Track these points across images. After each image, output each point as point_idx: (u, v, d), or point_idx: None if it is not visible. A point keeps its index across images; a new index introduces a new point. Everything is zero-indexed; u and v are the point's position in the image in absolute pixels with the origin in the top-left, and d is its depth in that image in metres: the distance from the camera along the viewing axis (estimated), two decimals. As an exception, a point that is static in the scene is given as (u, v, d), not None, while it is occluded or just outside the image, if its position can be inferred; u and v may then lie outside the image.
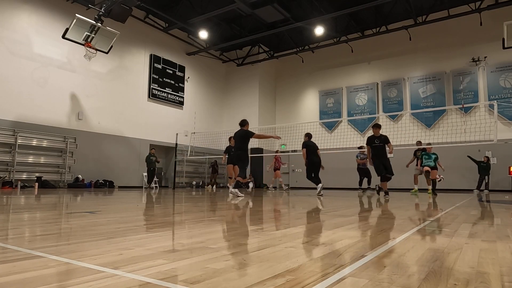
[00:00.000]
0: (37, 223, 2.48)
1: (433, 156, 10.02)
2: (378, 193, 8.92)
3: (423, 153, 10.26)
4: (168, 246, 1.65)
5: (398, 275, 1.17)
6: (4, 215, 3.03)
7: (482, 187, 12.93)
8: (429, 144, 10.63)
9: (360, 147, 12.30)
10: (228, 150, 10.54)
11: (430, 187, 10.08)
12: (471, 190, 13.79)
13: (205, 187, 17.41)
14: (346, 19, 15.99)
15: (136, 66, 15.73)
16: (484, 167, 12.89)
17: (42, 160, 12.27)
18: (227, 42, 17.31)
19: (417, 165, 11.17)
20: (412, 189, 11.43)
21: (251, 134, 8.15)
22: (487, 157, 13.07)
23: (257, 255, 1.48)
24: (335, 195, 8.96)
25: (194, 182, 18.14)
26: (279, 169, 13.81)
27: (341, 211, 3.95)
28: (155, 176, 14.37)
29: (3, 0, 11.55)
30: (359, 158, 12.28)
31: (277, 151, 13.94)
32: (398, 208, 4.42)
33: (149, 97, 16.11)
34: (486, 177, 12.85)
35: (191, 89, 18.41)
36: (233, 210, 3.94)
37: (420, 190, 11.76)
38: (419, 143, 11.57)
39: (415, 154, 11.64)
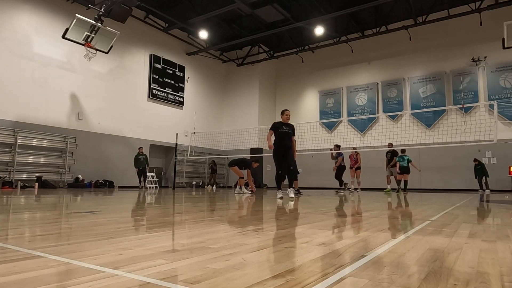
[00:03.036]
0: (37, 223, 2.48)
1: (406, 158, 11.40)
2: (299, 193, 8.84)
3: (399, 156, 11.59)
4: (168, 246, 1.65)
5: (398, 275, 1.17)
6: (4, 215, 3.03)
7: (483, 187, 12.92)
8: (404, 148, 11.89)
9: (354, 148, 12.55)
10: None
11: (398, 187, 11.56)
12: (471, 190, 13.79)
13: (205, 187, 17.41)
14: (346, 19, 16.00)
15: (136, 66, 15.74)
16: (478, 169, 12.89)
17: (42, 160, 12.27)
18: (227, 42, 17.31)
19: (387, 166, 12.01)
20: (385, 188, 11.96)
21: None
22: (477, 159, 13.01)
23: (257, 255, 1.48)
24: (334, 195, 8.95)
25: (194, 182, 18.14)
26: (351, 168, 12.55)
27: (341, 211, 3.95)
28: (155, 176, 14.33)
29: (3, 0, 11.55)
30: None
31: (354, 148, 12.92)
32: (398, 208, 4.42)
33: (149, 97, 16.11)
34: (484, 177, 12.82)
35: (191, 89, 18.41)
36: (233, 210, 3.94)
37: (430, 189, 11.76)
38: (390, 145, 12.19)
39: (386, 155, 12.21)
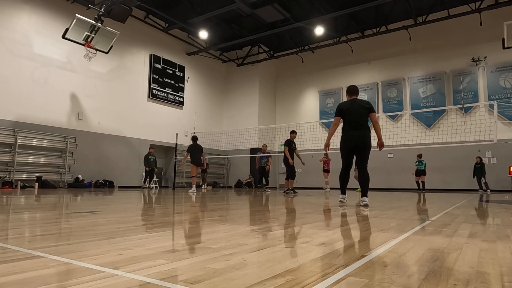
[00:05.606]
0: (37, 223, 2.48)
1: (424, 162, 12.99)
2: (287, 192, 9.50)
3: (417, 160, 13.18)
4: (168, 246, 1.65)
5: (398, 275, 1.17)
6: (4, 215, 3.03)
7: (484, 187, 12.91)
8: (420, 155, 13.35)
9: (262, 146, 12.93)
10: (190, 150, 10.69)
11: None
12: (470, 190, 13.79)
13: (202, 187, 17.40)
14: (346, 19, 16.00)
15: (136, 66, 15.73)
16: (477, 168, 12.90)
17: (42, 160, 12.27)
18: (227, 42, 17.31)
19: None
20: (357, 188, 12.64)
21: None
22: (479, 157, 13.07)
23: (257, 255, 1.48)
24: (334, 195, 8.95)
25: (194, 182, 18.12)
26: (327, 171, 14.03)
27: (341, 211, 3.95)
28: (155, 176, 14.33)
29: (3, 0, 11.55)
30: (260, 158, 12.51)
31: (325, 153, 13.92)
32: (398, 208, 4.42)
33: (149, 97, 16.11)
34: (483, 177, 12.83)
35: (191, 89, 18.41)
36: (233, 210, 3.94)
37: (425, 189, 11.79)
38: None
39: None
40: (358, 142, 4.78)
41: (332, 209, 4.26)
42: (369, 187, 5.05)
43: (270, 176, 18.89)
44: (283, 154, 9.62)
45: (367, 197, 4.79)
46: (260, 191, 11.43)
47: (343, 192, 5.06)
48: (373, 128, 5.05)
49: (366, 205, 4.65)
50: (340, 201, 5.04)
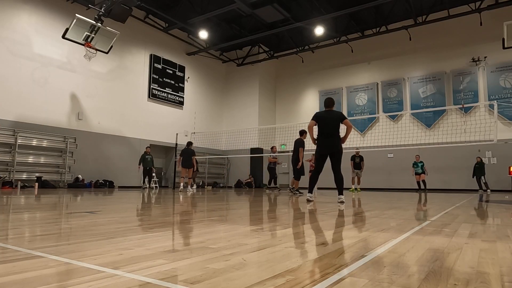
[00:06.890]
0: (37, 223, 2.48)
1: (420, 164, 13.31)
2: (293, 192, 9.58)
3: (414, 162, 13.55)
4: (168, 246, 1.65)
5: (398, 275, 1.17)
6: (4, 215, 3.03)
7: (483, 187, 12.90)
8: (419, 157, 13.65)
9: (272, 148, 13.05)
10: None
11: (353, 186, 12.88)
12: (470, 190, 13.79)
13: (205, 187, 17.40)
14: (346, 19, 16.00)
15: (136, 66, 15.73)
16: (477, 168, 12.92)
17: (42, 160, 12.27)
18: (227, 42, 17.31)
19: (354, 168, 13.26)
20: (349, 188, 13.04)
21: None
22: (479, 157, 13.12)
23: (257, 255, 1.48)
24: (333, 195, 8.95)
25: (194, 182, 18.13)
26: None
27: (341, 211, 3.95)
28: (155, 176, 14.31)
29: (3, 0, 11.55)
30: (271, 157, 12.74)
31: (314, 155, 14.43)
32: (398, 208, 4.42)
33: (149, 97, 16.11)
34: (483, 177, 12.84)
35: (191, 89, 18.40)
36: (233, 210, 3.94)
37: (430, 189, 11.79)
38: (358, 151, 13.41)
39: (354, 159, 13.32)
40: (332, 148, 5.50)
41: (331, 209, 4.26)
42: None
43: (264, 175, 19.02)
44: (291, 154, 9.78)
45: (342, 195, 5.48)
46: (273, 191, 11.52)
47: (311, 191, 5.73)
48: (345, 129, 5.61)
49: (342, 202, 5.32)
50: (308, 200, 5.60)
